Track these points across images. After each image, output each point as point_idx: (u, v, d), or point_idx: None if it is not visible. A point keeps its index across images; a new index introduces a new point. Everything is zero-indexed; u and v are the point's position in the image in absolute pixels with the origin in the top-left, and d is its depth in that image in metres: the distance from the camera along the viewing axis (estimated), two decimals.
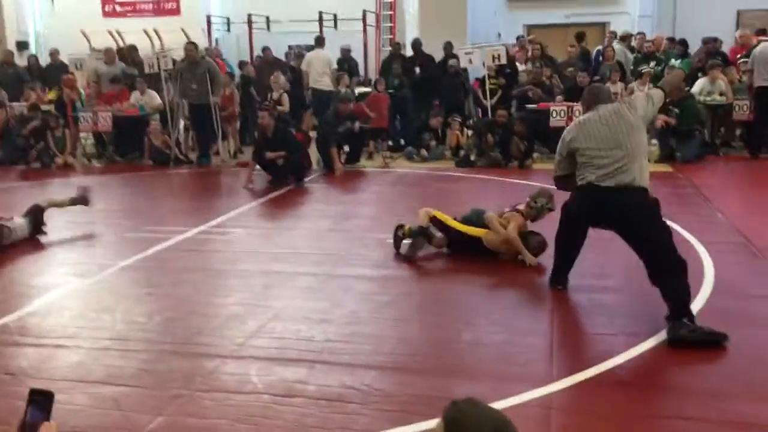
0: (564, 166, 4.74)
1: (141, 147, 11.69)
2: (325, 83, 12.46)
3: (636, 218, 4.35)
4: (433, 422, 3.23)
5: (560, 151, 4.76)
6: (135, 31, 17.68)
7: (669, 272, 4.11)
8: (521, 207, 5.80)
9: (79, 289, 5.34)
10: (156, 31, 17.79)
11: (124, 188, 9.68)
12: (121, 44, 17.55)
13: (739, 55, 12.23)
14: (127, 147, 11.91)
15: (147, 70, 12.02)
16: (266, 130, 9.41)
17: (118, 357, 4.07)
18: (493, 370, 3.80)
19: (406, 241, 5.87)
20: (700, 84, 11.17)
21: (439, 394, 3.52)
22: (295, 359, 3.97)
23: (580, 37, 13.83)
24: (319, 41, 13.12)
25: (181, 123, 12.02)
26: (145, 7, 19.70)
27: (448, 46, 12.55)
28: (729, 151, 11.29)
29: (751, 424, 3.18)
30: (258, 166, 9.56)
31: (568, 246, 4.83)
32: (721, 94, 11.13)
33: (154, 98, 11.88)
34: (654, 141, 11.08)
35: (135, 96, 12.01)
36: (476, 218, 5.86)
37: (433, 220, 5.86)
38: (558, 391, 3.53)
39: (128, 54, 13.27)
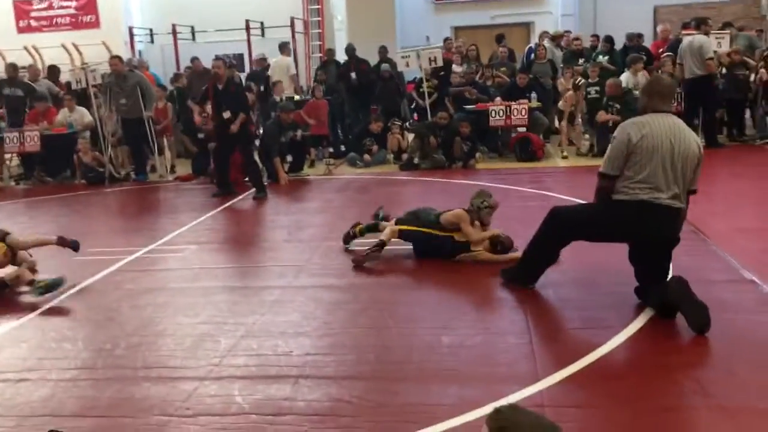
0: (619, 165, 4.32)
1: (72, 166, 11.28)
2: (287, 90, 12.38)
3: (671, 243, 4.42)
4: (432, 429, 3.25)
5: (618, 148, 4.30)
6: (53, 46, 17.11)
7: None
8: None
9: (31, 318, 5.07)
10: (75, 46, 17.22)
11: (60, 209, 9.26)
12: (38, 60, 16.96)
13: (661, 50, 12.71)
14: (56, 167, 11.47)
15: (74, 86, 11.62)
16: (218, 81, 9.15)
17: (89, 387, 3.89)
18: (479, 373, 3.80)
19: (358, 241, 6.15)
20: (624, 78, 11.52)
21: (432, 400, 3.51)
22: (277, 376, 3.88)
23: (499, 39, 14.04)
24: (283, 47, 13.04)
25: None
26: (62, 20, 18.97)
27: (382, 50, 12.58)
28: None
29: (738, 409, 3.27)
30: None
31: (554, 251, 4.86)
32: None
33: (84, 115, 11.45)
34: (586, 135, 11.41)
35: (63, 114, 11.57)
36: (425, 216, 5.96)
37: (401, 233, 5.95)
38: (546, 389, 3.56)
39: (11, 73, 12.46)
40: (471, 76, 11.83)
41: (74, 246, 6.14)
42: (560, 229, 4.68)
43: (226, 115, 9.06)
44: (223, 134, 9.18)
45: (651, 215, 4.28)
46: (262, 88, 13.05)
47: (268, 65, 13.73)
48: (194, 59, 13.83)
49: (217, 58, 17.06)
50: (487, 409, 3.35)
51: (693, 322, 4.08)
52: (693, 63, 10.73)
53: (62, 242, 6.09)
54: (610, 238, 4.60)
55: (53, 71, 13.35)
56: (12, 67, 12.19)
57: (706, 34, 11.13)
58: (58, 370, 4.12)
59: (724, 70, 11.45)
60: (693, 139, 4.37)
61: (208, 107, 9.62)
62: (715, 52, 11.21)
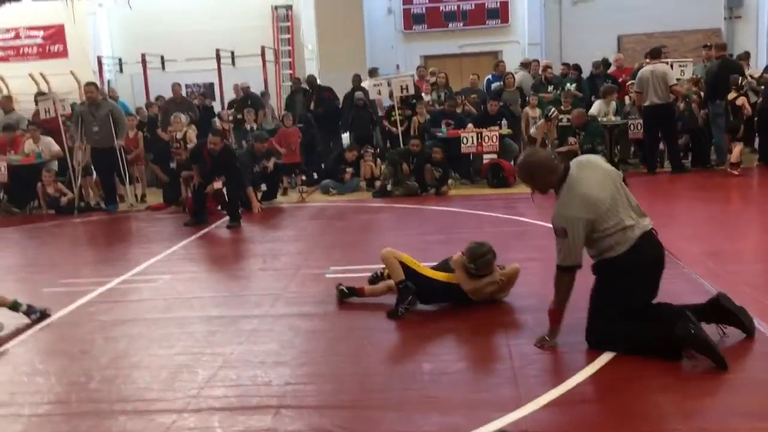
0: (580, 252, 4.13)
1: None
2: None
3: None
4: None
5: (578, 235, 4.06)
6: (19, 76, 16.92)
7: None
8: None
9: (2, 352, 4.94)
10: (43, 75, 17.06)
11: (30, 240, 9.10)
12: (5, 90, 16.75)
13: (622, 78, 13.00)
14: (23, 197, 11.28)
15: (42, 115, 11.48)
16: (214, 150, 9.11)
17: (63, 422, 3.79)
18: (462, 399, 3.78)
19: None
20: (597, 106, 11.75)
21: (415, 428, 3.49)
22: (257, 406, 3.82)
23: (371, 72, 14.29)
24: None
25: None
26: (29, 50, 18.81)
27: (356, 79, 12.68)
28: (627, 167, 11.90)
29: (719, 431, 3.30)
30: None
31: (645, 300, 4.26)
32: (615, 115, 11.79)
33: (50, 145, 11.30)
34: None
35: (28, 144, 11.41)
36: (443, 266, 5.35)
37: (402, 265, 5.21)
38: (530, 414, 3.55)
39: None
40: (452, 107, 11.87)
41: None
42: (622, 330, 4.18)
43: (218, 185, 9.27)
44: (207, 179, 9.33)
45: (652, 244, 4.22)
46: (239, 116, 13.05)
47: (249, 93, 13.68)
48: (175, 84, 13.60)
49: (186, 87, 17.27)
50: None
51: (748, 327, 4.22)
52: (654, 91, 10.92)
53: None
54: (648, 286, 4.25)
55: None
56: None
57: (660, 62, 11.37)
58: (31, 405, 4.01)
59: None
60: (603, 162, 4.41)
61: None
62: (678, 79, 11.53)
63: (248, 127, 12.13)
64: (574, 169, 4.19)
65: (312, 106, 12.74)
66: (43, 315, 5.52)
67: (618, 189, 4.19)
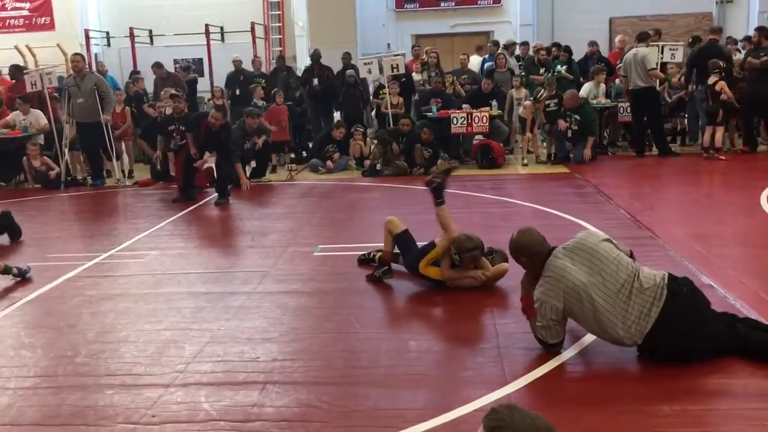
0: (560, 331, 3.91)
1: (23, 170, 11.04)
2: None
3: None
4: None
5: (544, 315, 3.83)
6: (6, 48, 16.70)
7: None
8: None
9: None
10: (29, 48, 16.84)
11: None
12: None
13: (618, 60, 12.97)
14: (9, 171, 11.18)
15: (29, 88, 11.34)
16: (213, 126, 9.03)
17: (50, 395, 3.79)
18: (448, 377, 3.82)
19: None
20: (587, 88, 11.75)
21: (401, 405, 3.51)
22: (244, 382, 3.84)
23: (479, 49, 14.50)
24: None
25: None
26: (15, 22, 18.60)
27: (346, 57, 12.59)
28: (616, 150, 11.94)
29: (702, 412, 3.34)
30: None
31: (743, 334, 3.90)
32: (606, 97, 11.80)
33: (39, 118, 11.19)
34: (544, 144, 11.60)
35: (15, 116, 11.29)
36: (430, 246, 5.34)
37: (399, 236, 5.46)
38: (515, 392, 3.58)
39: None
40: (438, 86, 11.85)
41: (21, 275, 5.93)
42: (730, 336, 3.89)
43: (211, 162, 9.26)
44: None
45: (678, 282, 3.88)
46: (237, 92, 12.96)
47: (240, 69, 13.56)
48: (155, 64, 13.43)
49: (175, 62, 17.06)
50: (457, 412, 3.39)
51: None
52: (636, 75, 10.91)
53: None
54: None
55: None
56: None
57: (647, 46, 11.34)
58: (18, 378, 4.01)
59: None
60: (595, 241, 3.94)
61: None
62: (665, 63, 11.54)
63: (258, 103, 11.99)
64: (558, 252, 3.91)
65: (316, 82, 12.60)
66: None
67: (610, 262, 3.79)
